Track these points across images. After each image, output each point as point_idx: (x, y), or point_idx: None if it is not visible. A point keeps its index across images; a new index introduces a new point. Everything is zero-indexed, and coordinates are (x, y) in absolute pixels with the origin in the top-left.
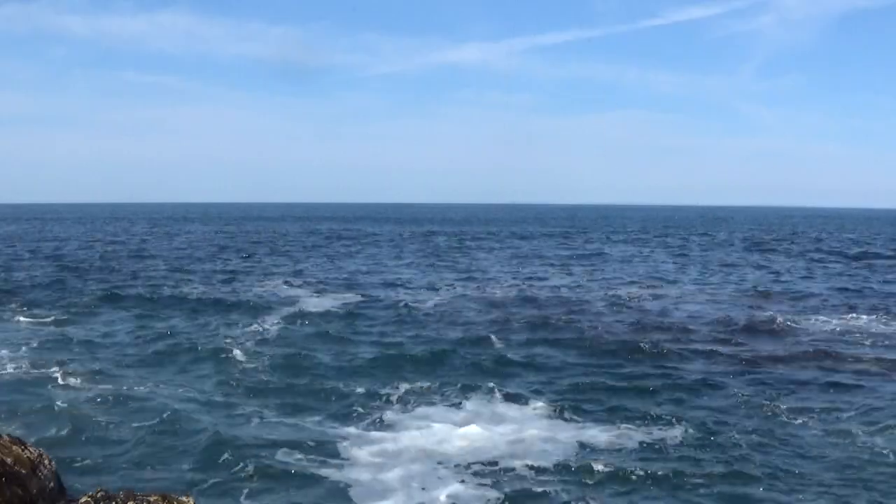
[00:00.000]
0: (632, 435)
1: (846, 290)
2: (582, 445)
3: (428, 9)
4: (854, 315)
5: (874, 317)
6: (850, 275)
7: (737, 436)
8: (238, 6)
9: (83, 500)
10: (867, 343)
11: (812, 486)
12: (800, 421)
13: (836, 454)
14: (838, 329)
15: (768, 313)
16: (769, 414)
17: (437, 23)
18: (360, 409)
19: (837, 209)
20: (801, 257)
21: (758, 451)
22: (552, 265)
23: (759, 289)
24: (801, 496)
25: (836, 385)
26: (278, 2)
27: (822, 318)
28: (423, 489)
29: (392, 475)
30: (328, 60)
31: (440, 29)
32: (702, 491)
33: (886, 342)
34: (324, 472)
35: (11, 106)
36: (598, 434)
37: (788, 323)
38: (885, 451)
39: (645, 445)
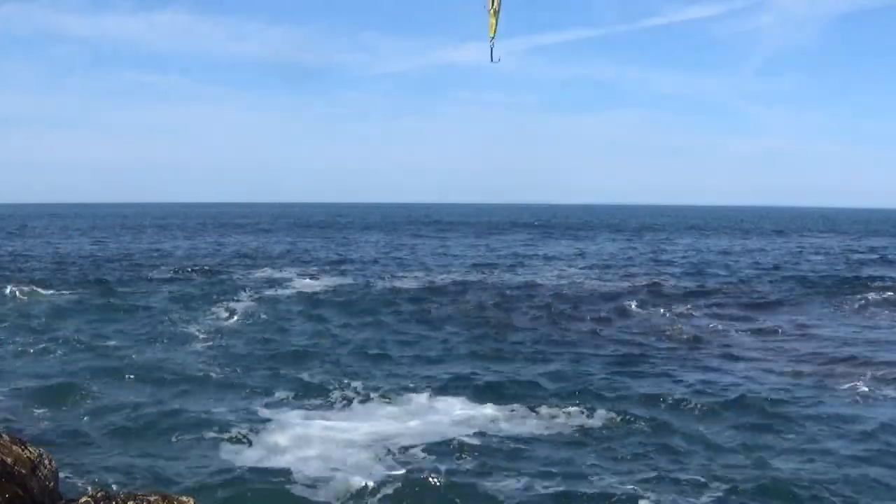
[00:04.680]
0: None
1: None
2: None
3: (428, 9)
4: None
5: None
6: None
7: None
8: (238, 6)
9: (83, 500)
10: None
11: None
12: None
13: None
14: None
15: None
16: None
17: (437, 23)
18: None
19: (837, 209)
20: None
21: (659, 433)
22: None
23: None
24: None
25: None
26: (278, 2)
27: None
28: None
29: (298, 459)
30: (328, 60)
31: (440, 29)
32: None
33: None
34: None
35: (11, 106)
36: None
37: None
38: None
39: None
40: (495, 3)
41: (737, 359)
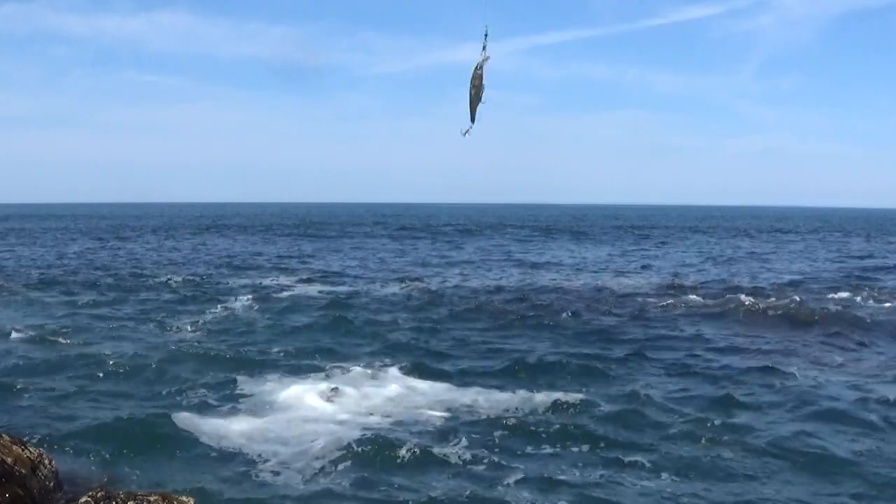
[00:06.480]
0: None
1: None
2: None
3: (428, 9)
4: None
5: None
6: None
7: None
8: (238, 6)
9: (83, 499)
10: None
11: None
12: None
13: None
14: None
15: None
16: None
17: (436, 23)
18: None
19: (837, 209)
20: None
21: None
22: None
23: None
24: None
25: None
26: (278, 2)
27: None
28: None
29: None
30: (328, 60)
31: (440, 29)
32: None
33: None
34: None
35: (11, 106)
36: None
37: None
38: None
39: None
40: (476, 91)
41: (727, 354)
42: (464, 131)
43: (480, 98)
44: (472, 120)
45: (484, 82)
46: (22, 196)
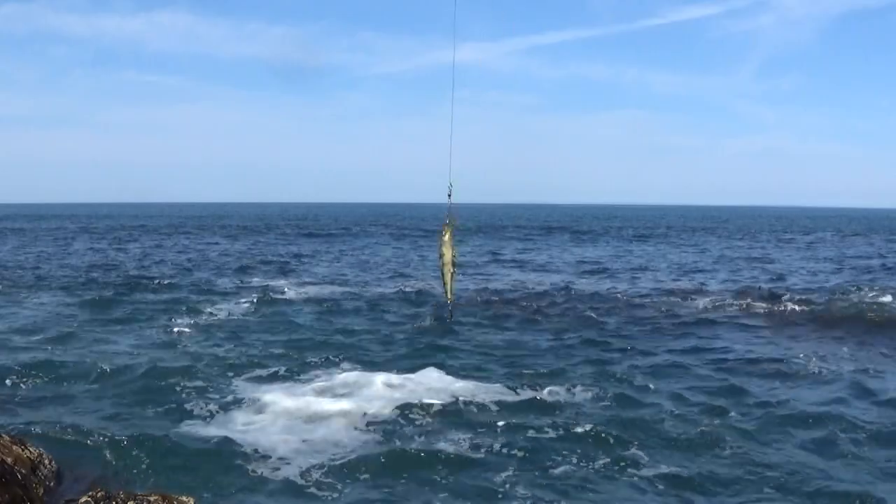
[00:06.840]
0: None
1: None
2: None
3: (428, 9)
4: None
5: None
6: None
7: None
8: (238, 6)
9: (83, 500)
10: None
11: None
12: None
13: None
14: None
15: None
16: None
17: (436, 23)
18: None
19: (837, 209)
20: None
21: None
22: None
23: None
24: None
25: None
26: (278, 2)
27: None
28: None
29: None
30: (328, 60)
31: (440, 29)
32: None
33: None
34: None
35: (11, 106)
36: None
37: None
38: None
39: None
40: (447, 264)
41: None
42: (449, 309)
43: (454, 270)
44: (448, 294)
45: (453, 251)
46: (22, 196)
